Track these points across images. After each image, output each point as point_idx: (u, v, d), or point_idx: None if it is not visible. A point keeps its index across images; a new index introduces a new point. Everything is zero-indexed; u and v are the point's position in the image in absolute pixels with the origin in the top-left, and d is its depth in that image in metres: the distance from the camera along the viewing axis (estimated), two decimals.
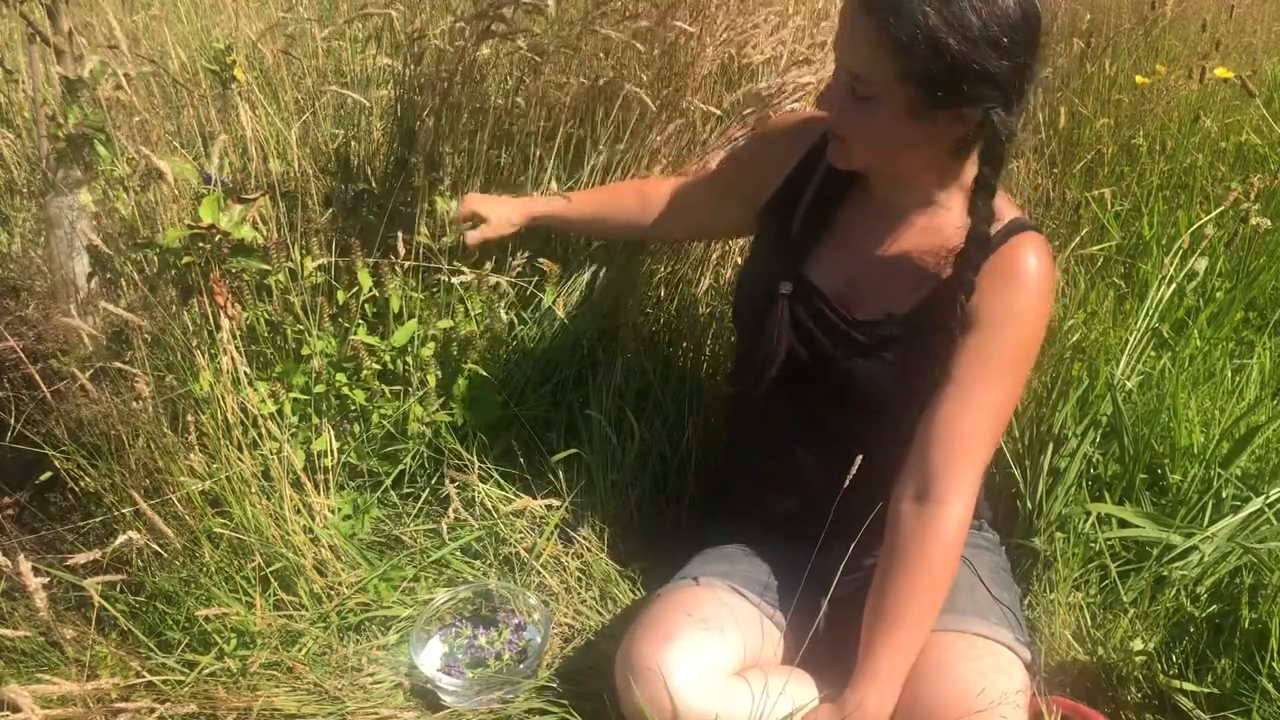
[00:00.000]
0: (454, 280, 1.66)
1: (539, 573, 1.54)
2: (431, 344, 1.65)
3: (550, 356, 1.72)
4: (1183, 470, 1.64)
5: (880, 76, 1.12)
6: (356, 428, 1.63)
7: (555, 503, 1.57)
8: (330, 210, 1.71)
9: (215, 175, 1.58)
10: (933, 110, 1.12)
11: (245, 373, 1.51)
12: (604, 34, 1.65)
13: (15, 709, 1.08)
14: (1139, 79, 2.74)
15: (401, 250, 1.62)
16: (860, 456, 1.15)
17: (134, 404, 1.47)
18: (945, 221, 1.24)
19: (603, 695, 1.30)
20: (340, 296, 1.65)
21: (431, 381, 1.63)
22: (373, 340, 1.62)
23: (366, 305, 1.66)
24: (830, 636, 1.32)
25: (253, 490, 1.47)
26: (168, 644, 1.40)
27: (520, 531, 1.58)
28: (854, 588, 1.29)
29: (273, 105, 1.85)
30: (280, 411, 1.58)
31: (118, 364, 1.48)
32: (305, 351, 1.61)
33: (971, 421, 1.20)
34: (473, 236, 1.61)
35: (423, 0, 1.84)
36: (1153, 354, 1.86)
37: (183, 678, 1.35)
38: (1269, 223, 2.11)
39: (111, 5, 1.84)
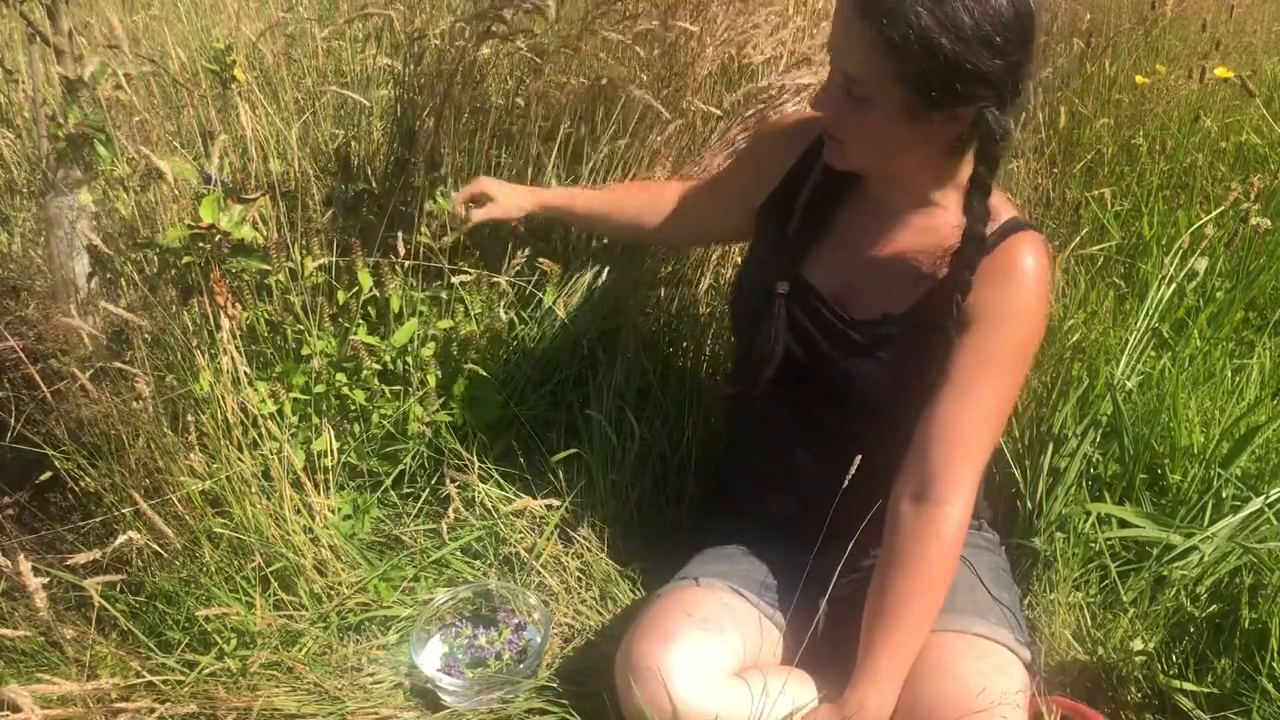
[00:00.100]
0: (454, 280, 1.66)
1: (539, 573, 1.54)
2: (431, 344, 1.65)
3: (550, 356, 1.72)
4: (1183, 470, 1.64)
5: (874, 77, 1.12)
6: (356, 428, 1.63)
7: (555, 503, 1.57)
8: (330, 210, 1.72)
9: (215, 175, 1.58)
10: (927, 110, 1.12)
11: (245, 373, 1.51)
12: (604, 34, 1.65)
13: (15, 709, 1.08)
14: (1139, 79, 2.74)
15: (401, 250, 1.62)
16: (859, 456, 1.15)
17: (134, 404, 1.47)
18: (941, 221, 1.24)
19: (603, 695, 1.30)
20: (340, 296, 1.65)
21: (431, 381, 1.63)
22: (373, 340, 1.63)
23: (367, 305, 1.66)
24: (830, 636, 1.32)
25: (253, 490, 1.47)
26: (168, 644, 1.40)
27: (520, 531, 1.58)
28: (853, 588, 1.29)
29: (273, 105, 1.85)
30: (280, 411, 1.58)
31: (118, 364, 1.48)
32: (305, 351, 1.61)
33: (970, 421, 1.20)
34: (478, 214, 1.59)
35: (423, 0, 1.85)
36: (1153, 354, 1.86)
37: (183, 678, 1.35)
38: (1269, 223, 2.11)
39: (111, 5, 1.84)
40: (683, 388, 1.74)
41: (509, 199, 1.60)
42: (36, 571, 1.20)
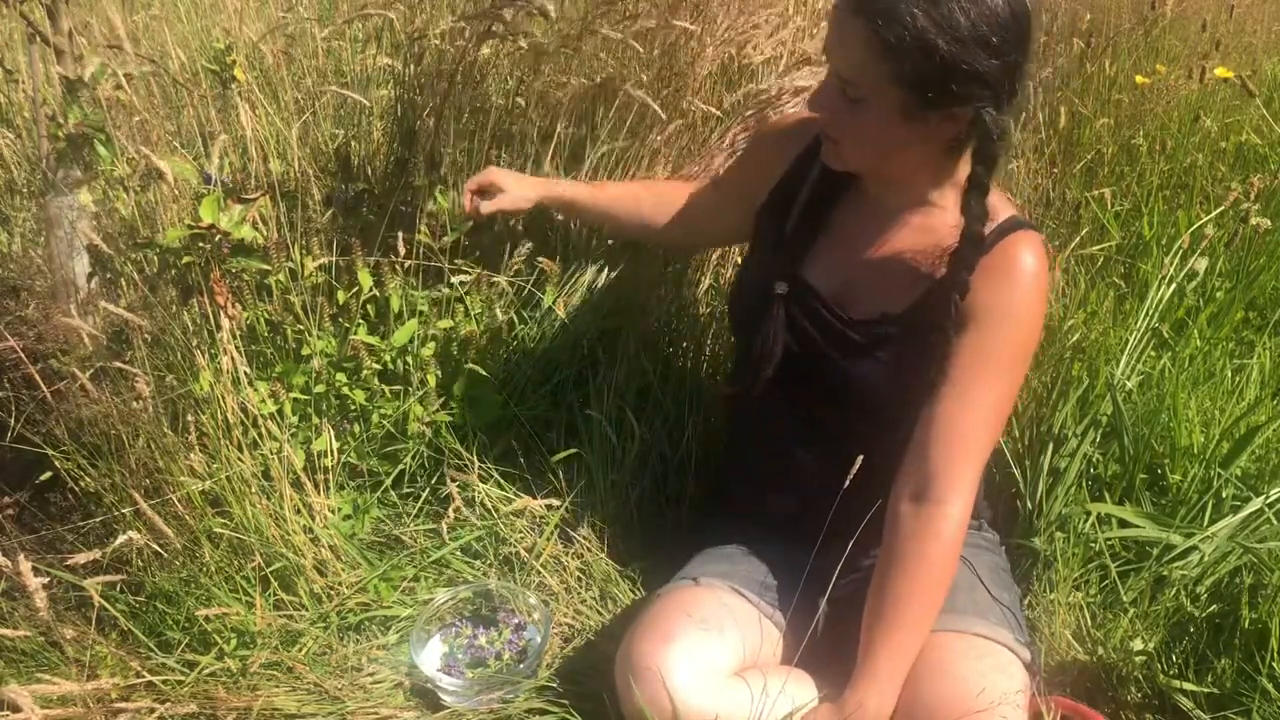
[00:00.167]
0: (454, 280, 1.66)
1: (539, 573, 1.54)
2: (431, 344, 1.65)
3: (550, 356, 1.72)
4: (1183, 470, 1.64)
5: (870, 78, 1.12)
6: (356, 428, 1.63)
7: (555, 503, 1.57)
8: (330, 210, 1.72)
9: (215, 175, 1.58)
10: (923, 111, 1.12)
11: (245, 373, 1.51)
12: (604, 34, 1.65)
13: (15, 709, 1.08)
14: (1139, 79, 2.74)
15: (401, 250, 1.62)
16: (860, 456, 1.15)
17: (134, 404, 1.47)
18: (940, 221, 1.24)
19: (603, 695, 1.30)
20: (340, 296, 1.65)
21: (431, 381, 1.63)
22: (373, 340, 1.63)
23: (367, 305, 1.66)
24: (830, 636, 1.32)
25: (253, 490, 1.47)
26: (168, 644, 1.41)
27: (520, 531, 1.58)
28: (853, 588, 1.29)
29: (273, 105, 1.85)
30: (280, 411, 1.58)
31: (118, 364, 1.48)
32: (305, 351, 1.61)
33: (970, 421, 1.20)
34: (487, 206, 1.56)
35: (423, 0, 1.85)
36: (1153, 354, 1.86)
37: (183, 678, 1.35)
38: (1269, 223, 2.11)
39: (112, 5, 1.84)
40: (683, 388, 1.74)
41: (518, 190, 1.57)
42: (36, 571, 1.20)
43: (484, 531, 1.58)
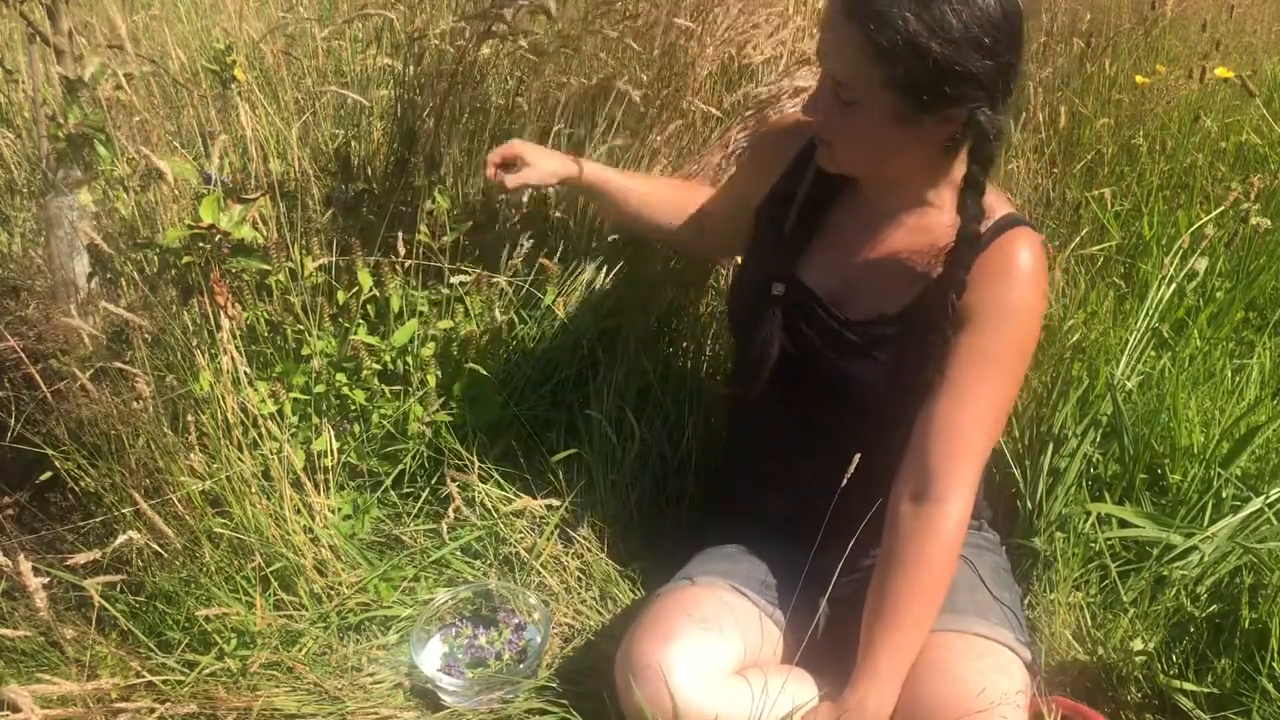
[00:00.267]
0: (454, 280, 1.66)
1: (539, 573, 1.54)
2: (431, 344, 1.65)
3: (550, 356, 1.72)
4: (1183, 470, 1.64)
5: (863, 82, 1.12)
6: (356, 428, 1.63)
7: (555, 503, 1.57)
8: (330, 210, 1.72)
9: (215, 175, 1.58)
10: (918, 113, 1.12)
11: (245, 373, 1.51)
12: (604, 34, 1.65)
13: (15, 709, 1.08)
14: (1139, 79, 2.74)
15: (401, 250, 1.62)
16: (858, 456, 1.15)
17: (134, 404, 1.47)
18: (936, 220, 1.24)
19: (603, 695, 1.30)
20: (340, 296, 1.65)
21: (431, 381, 1.63)
22: (373, 340, 1.63)
23: (367, 305, 1.66)
24: (830, 636, 1.32)
25: (253, 490, 1.47)
26: (168, 644, 1.41)
27: (520, 531, 1.58)
28: (853, 588, 1.29)
29: (273, 105, 1.85)
30: (280, 411, 1.58)
31: (118, 364, 1.48)
32: (305, 351, 1.61)
33: (969, 420, 1.20)
34: (512, 180, 1.50)
35: (423, 0, 1.85)
36: (1153, 354, 1.86)
37: (183, 678, 1.35)
38: (1269, 223, 2.11)
39: (113, 5, 1.84)
40: (683, 388, 1.74)
41: (544, 164, 1.51)
42: (36, 571, 1.20)
43: (484, 531, 1.58)
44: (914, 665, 1.19)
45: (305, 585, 1.48)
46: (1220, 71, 2.68)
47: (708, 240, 1.57)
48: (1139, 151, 2.60)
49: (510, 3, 1.53)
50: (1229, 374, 1.88)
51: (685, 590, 1.30)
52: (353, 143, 1.87)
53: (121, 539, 1.33)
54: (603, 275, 1.74)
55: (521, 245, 1.69)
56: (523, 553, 1.56)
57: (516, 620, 1.49)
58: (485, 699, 1.37)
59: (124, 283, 1.65)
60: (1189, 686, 1.34)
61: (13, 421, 1.61)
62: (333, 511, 1.57)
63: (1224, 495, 1.57)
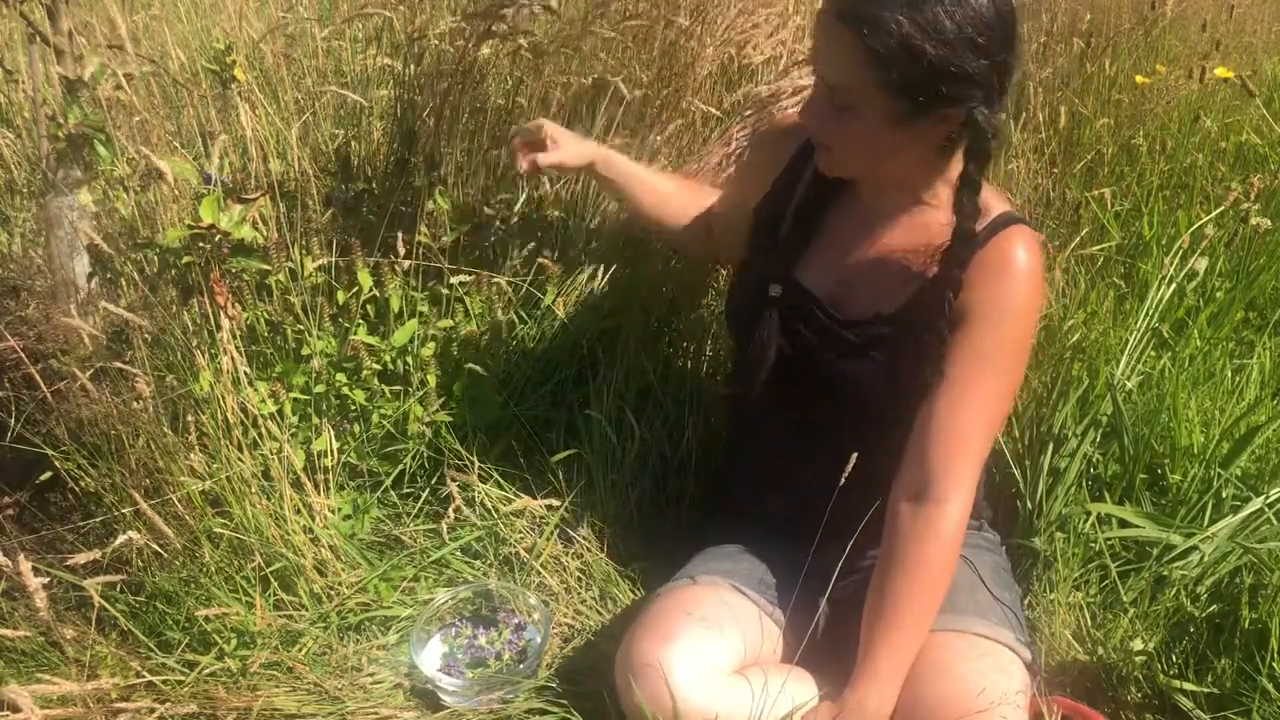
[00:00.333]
0: (454, 280, 1.66)
1: (539, 573, 1.54)
2: (431, 344, 1.65)
3: (550, 356, 1.72)
4: (1183, 470, 1.64)
5: (858, 87, 1.11)
6: (356, 428, 1.63)
7: (555, 503, 1.57)
8: (330, 210, 1.72)
9: (215, 175, 1.58)
10: (914, 114, 1.12)
11: (245, 373, 1.51)
12: (603, 35, 1.65)
13: (15, 709, 1.08)
14: (1139, 79, 2.74)
15: (401, 250, 1.62)
16: (857, 455, 1.15)
17: (134, 404, 1.47)
18: (933, 219, 1.24)
19: (603, 694, 1.30)
20: (340, 296, 1.65)
21: (431, 381, 1.63)
22: (373, 340, 1.63)
23: (367, 305, 1.66)
24: (830, 635, 1.32)
25: (253, 490, 1.47)
26: (168, 644, 1.41)
27: (520, 531, 1.58)
28: (853, 588, 1.29)
29: (273, 105, 1.85)
30: (280, 411, 1.58)
31: (118, 364, 1.48)
32: (305, 351, 1.61)
33: (968, 419, 1.20)
34: (546, 159, 1.45)
35: (423, 0, 1.85)
36: (1153, 354, 1.86)
37: (183, 678, 1.35)
38: (1269, 223, 2.11)
39: (112, 5, 1.84)
40: (683, 388, 1.74)
41: (573, 146, 1.47)
42: (36, 571, 1.20)
43: (484, 531, 1.58)
44: (914, 665, 1.19)
45: (305, 585, 1.48)
46: (1220, 71, 2.68)
47: (714, 243, 1.56)
48: (1139, 151, 2.60)
49: (511, 2, 1.53)
50: (1229, 374, 1.88)
51: (686, 589, 1.30)
52: (353, 143, 1.87)
53: (121, 539, 1.33)
54: (602, 275, 1.74)
55: (521, 245, 1.69)
56: (523, 553, 1.56)
57: (516, 620, 1.48)
58: (485, 699, 1.37)
59: (124, 283, 1.65)
60: (1189, 686, 1.34)
61: (13, 421, 1.61)
62: (333, 511, 1.57)
63: (1224, 495, 1.57)
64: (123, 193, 1.75)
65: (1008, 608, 1.29)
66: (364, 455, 1.63)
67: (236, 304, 1.53)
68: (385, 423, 1.63)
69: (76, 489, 1.55)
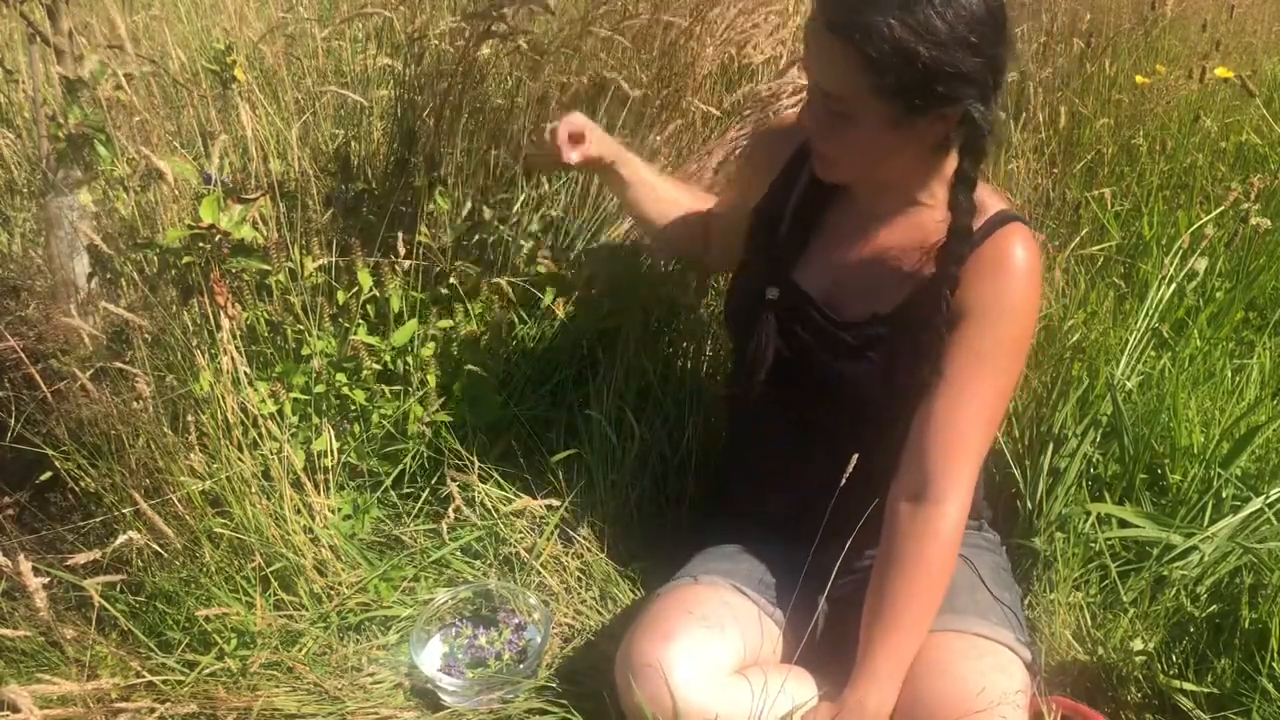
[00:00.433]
0: (454, 280, 1.66)
1: (539, 573, 1.54)
2: (431, 344, 1.65)
3: (550, 356, 1.72)
4: (1183, 470, 1.64)
5: (854, 92, 1.11)
6: (356, 428, 1.63)
7: (555, 503, 1.57)
8: (330, 210, 1.72)
9: (215, 175, 1.58)
10: (911, 116, 1.12)
11: (245, 373, 1.51)
12: (601, 34, 1.65)
13: (15, 709, 1.08)
14: (1139, 79, 2.74)
15: (401, 250, 1.62)
16: (857, 455, 1.15)
17: (134, 404, 1.47)
18: (928, 217, 1.24)
19: (603, 695, 1.30)
20: (340, 296, 1.65)
21: (431, 381, 1.63)
22: (373, 340, 1.63)
23: (367, 305, 1.66)
24: (830, 635, 1.32)
25: (253, 490, 1.47)
26: (168, 644, 1.40)
27: (520, 531, 1.58)
28: (853, 588, 1.29)
29: (273, 105, 1.85)
30: (280, 411, 1.58)
31: (118, 364, 1.48)
32: (305, 351, 1.61)
33: (966, 418, 1.20)
34: (577, 156, 1.40)
35: (423, 0, 1.85)
36: (1153, 354, 1.86)
37: (183, 678, 1.35)
38: (1269, 223, 2.11)
39: (112, 5, 1.84)
40: (683, 388, 1.74)
41: (604, 140, 1.44)
42: (36, 571, 1.20)
43: (484, 532, 1.58)
44: (914, 665, 1.19)
45: (305, 585, 1.48)
46: (1220, 71, 2.68)
47: (709, 248, 1.56)
48: (1139, 151, 2.60)
49: (510, 2, 1.53)
50: (1229, 374, 1.88)
51: (686, 589, 1.30)
52: (353, 143, 1.88)
53: (121, 539, 1.33)
54: (602, 275, 1.74)
55: (521, 245, 1.69)
56: (523, 553, 1.56)
57: (516, 620, 1.48)
58: (485, 699, 1.37)
59: (124, 283, 1.65)
60: (1189, 686, 1.34)
61: (13, 421, 1.61)
62: (333, 511, 1.57)
63: (1224, 495, 1.57)
64: (123, 193, 1.75)
65: (1008, 608, 1.29)
66: (364, 455, 1.63)
67: (236, 304, 1.53)
68: (385, 423, 1.63)
69: (76, 489, 1.55)
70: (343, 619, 1.48)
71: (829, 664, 1.26)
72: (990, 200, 1.22)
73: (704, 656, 1.19)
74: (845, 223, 1.31)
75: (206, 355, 1.48)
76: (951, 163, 1.18)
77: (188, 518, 1.44)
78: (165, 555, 1.44)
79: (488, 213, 1.73)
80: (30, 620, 1.39)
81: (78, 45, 1.73)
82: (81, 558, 1.27)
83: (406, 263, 1.63)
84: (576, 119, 1.41)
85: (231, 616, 1.40)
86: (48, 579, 1.29)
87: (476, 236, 1.72)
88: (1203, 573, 1.46)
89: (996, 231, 1.20)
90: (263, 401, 1.53)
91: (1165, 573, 1.47)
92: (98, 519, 1.51)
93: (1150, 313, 1.83)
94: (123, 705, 1.27)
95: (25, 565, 1.15)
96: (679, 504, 1.69)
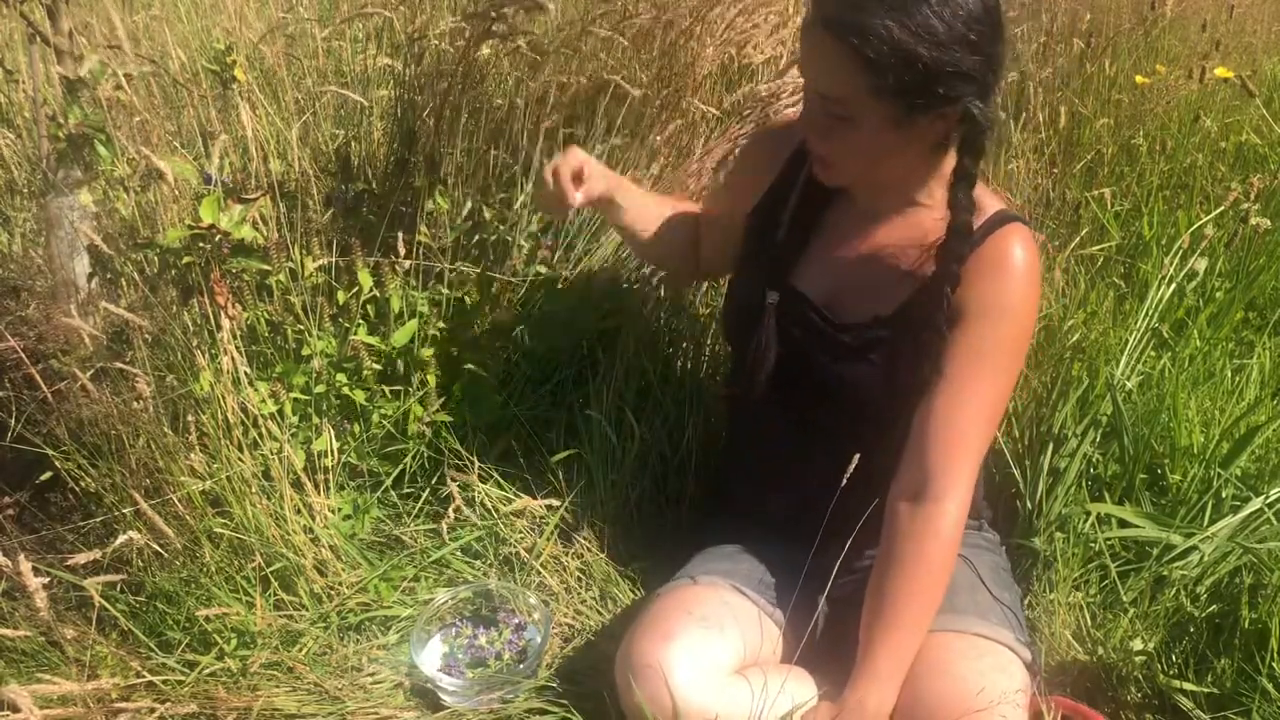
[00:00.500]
0: (454, 280, 1.66)
1: (539, 573, 1.55)
2: (431, 344, 1.65)
3: (550, 356, 1.72)
4: (1183, 470, 1.64)
5: (853, 94, 1.11)
6: (356, 428, 1.63)
7: (555, 503, 1.57)
8: (330, 210, 1.72)
9: (215, 175, 1.58)
10: (911, 116, 1.12)
11: (245, 373, 1.51)
12: (603, 35, 1.65)
13: (15, 709, 1.08)
14: (1139, 79, 2.74)
15: (401, 250, 1.62)
16: (857, 456, 1.15)
17: (134, 404, 1.47)
18: (927, 218, 1.24)
19: (603, 694, 1.30)
20: (340, 296, 1.65)
21: (431, 381, 1.63)
22: (373, 340, 1.63)
23: (367, 305, 1.66)
24: (830, 635, 1.32)
25: (253, 490, 1.47)
26: (168, 644, 1.41)
27: (520, 531, 1.58)
28: (853, 587, 1.29)
29: (273, 105, 1.85)
30: (280, 411, 1.58)
31: (118, 364, 1.48)
32: (305, 351, 1.61)
33: (966, 418, 1.20)
34: (583, 197, 1.36)
35: (423, 0, 1.85)
36: (1153, 354, 1.86)
37: (183, 678, 1.35)
38: (1269, 223, 2.11)
39: (113, 5, 1.84)
40: (683, 388, 1.74)
41: (601, 173, 1.40)
42: (36, 571, 1.20)
43: (484, 531, 1.58)
44: (914, 665, 1.19)
45: (305, 585, 1.48)
46: (1220, 71, 2.68)
47: (704, 260, 1.55)
48: (1139, 151, 2.60)
49: (510, 2, 1.53)
50: (1229, 374, 1.88)
51: (686, 589, 1.30)
52: (353, 143, 1.88)
53: (121, 539, 1.33)
54: (603, 275, 1.74)
55: (521, 245, 1.69)
56: (523, 553, 1.56)
57: (516, 620, 1.49)
58: (485, 699, 1.37)
59: (124, 283, 1.65)
60: (1189, 686, 1.34)
61: (13, 421, 1.61)
62: (333, 511, 1.57)
63: (1224, 495, 1.57)
64: (123, 193, 1.75)
65: (1007, 608, 1.29)
66: (364, 455, 1.63)
67: (237, 304, 1.53)
68: (385, 423, 1.63)
69: (77, 489, 1.55)
70: (343, 619, 1.48)
71: (829, 664, 1.26)
72: (989, 200, 1.22)
73: (704, 657, 1.19)
74: (844, 223, 1.31)
75: (207, 355, 1.48)
76: (950, 161, 1.18)
77: (188, 518, 1.44)
78: (165, 555, 1.44)
79: (488, 213, 1.73)
80: (30, 620, 1.39)
81: (78, 45, 1.73)
82: (81, 558, 1.27)
83: (406, 263, 1.63)
84: (574, 156, 1.37)
85: (231, 616, 1.40)
86: (48, 579, 1.30)
87: (476, 236, 1.72)
88: (1203, 573, 1.46)
89: (996, 231, 1.20)
90: (263, 401, 1.54)
91: (1165, 573, 1.47)
92: (98, 519, 1.51)
93: (1150, 313, 1.83)
94: (123, 705, 1.27)
95: (25, 565, 1.15)
96: (679, 504, 1.69)
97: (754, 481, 1.43)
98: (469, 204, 1.73)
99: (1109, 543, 1.52)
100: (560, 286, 1.71)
